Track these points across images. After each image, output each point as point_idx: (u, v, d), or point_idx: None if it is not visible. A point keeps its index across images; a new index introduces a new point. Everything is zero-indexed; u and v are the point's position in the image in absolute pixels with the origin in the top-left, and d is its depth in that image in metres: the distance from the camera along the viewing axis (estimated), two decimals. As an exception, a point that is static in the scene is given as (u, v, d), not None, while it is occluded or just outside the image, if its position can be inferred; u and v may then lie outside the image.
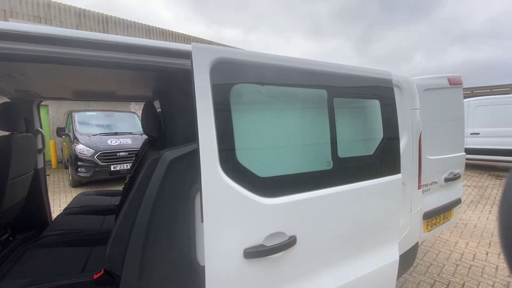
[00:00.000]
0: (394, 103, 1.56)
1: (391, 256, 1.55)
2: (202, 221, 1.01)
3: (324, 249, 1.28)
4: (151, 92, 2.27)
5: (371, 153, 1.46)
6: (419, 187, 1.96)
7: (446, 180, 2.35)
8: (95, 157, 5.73)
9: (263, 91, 1.17)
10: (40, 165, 2.31)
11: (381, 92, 1.52)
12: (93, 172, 5.65)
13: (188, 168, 1.19)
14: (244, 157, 1.08)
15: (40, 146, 2.31)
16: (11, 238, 2.09)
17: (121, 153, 6.04)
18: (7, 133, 1.87)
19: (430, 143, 2.22)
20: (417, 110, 1.92)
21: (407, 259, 1.95)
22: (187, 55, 1.09)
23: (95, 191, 2.75)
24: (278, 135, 1.23)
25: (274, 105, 1.23)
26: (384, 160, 1.50)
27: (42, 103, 2.45)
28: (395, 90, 1.72)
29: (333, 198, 1.28)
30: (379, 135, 1.50)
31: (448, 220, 2.49)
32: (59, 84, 1.99)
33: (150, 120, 1.37)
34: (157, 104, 1.72)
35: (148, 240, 1.16)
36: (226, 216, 1.02)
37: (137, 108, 11.12)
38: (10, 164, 1.75)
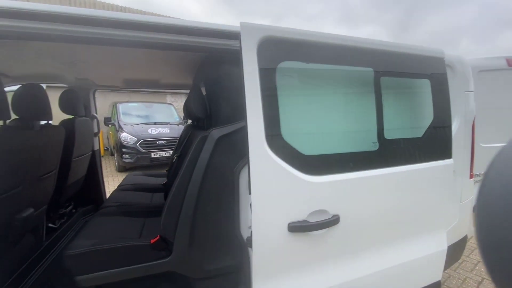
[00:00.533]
0: (446, 84, 1.46)
1: (438, 245, 1.48)
2: (249, 193, 1.07)
3: (367, 230, 1.27)
4: (192, 80, 2.38)
5: (420, 135, 1.39)
6: (471, 176, 1.82)
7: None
8: (137, 144, 6.20)
9: (309, 69, 1.17)
10: (96, 147, 2.58)
11: (432, 71, 1.42)
12: (136, 159, 6.12)
13: (233, 145, 1.25)
14: (289, 136, 1.10)
15: (95, 130, 2.57)
16: (74, 211, 2.40)
17: (160, 142, 6.44)
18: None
19: (484, 129, 2.03)
20: (471, 92, 1.76)
21: (454, 252, 1.84)
22: (234, 35, 1.12)
23: (142, 172, 3.01)
24: (323, 115, 1.23)
25: (320, 84, 1.22)
26: (433, 144, 1.42)
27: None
28: (447, 70, 1.60)
29: (378, 180, 1.26)
30: (429, 117, 1.42)
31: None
32: (111, 73, 2.19)
33: (197, 102, 1.45)
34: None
35: (197, 211, 1.26)
36: (272, 191, 1.06)
37: (173, 100, 11.68)
38: (74, 144, 1.99)
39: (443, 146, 1.45)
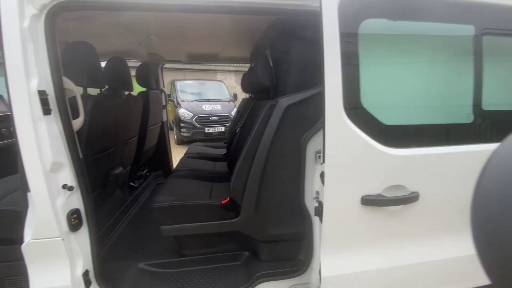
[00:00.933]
0: None
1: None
2: (321, 162, 1.04)
3: (450, 212, 1.14)
4: (250, 54, 2.36)
5: None
6: None
7: None
8: (193, 120, 6.62)
9: (395, 27, 1.03)
10: (164, 118, 2.83)
11: None
12: (192, 133, 6.59)
13: (302, 114, 1.22)
14: (370, 104, 1.01)
15: (163, 102, 2.81)
16: (148, 174, 2.73)
17: (213, 118, 6.76)
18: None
19: None
20: None
21: None
22: None
23: (204, 143, 3.23)
24: (409, 81, 1.09)
25: (408, 45, 1.07)
26: None
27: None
28: None
29: (471, 158, 1.09)
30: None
31: None
32: (177, 47, 2.30)
33: (263, 70, 1.43)
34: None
35: (263, 179, 1.29)
36: (347, 162, 1.01)
37: (223, 78, 11.99)
38: (149, 114, 2.20)
39: None
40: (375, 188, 1.04)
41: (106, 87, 1.60)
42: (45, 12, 0.96)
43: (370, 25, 1.00)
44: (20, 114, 0.94)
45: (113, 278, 1.29)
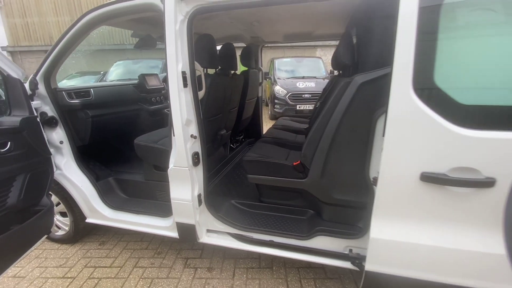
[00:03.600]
0: None
1: None
2: (383, 135, 1.14)
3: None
4: (343, 30, 2.38)
5: None
6: None
7: None
8: (286, 97, 6.98)
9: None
10: (260, 94, 3.28)
11: None
12: (284, 109, 7.00)
13: (376, 91, 1.29)
14: (445, 81, 1.02)
15: (260, 80, 3.24)
16: (243, 140, 3.32)
17: (305, 95, 6.90)
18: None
19: None
20: None
21: None
22: None
23: (290, 118, 3.56)
24: (491, 53, 0.99)
25: (488, 14, 0.97)
26: None
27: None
28: None
29: None
30: None
31: None
32: (275, 30, 2.59)
33: (345, 48, 1.54)
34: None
35: (331, 148, 1.48)
36: (408, 137, 1.07)
37: (322, 54, 11.60)
38: (248, 90, 2.66)
39: None
40: (438, 167, 1.06)
41: (219, 67, 2.11)
42: (188, 17, 1.43)
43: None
44: (172, 86, 1.49)
45: (214, 204, 1.85)
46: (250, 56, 2.66)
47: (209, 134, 2.00)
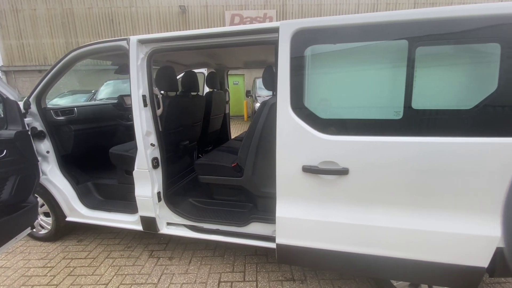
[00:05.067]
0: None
1: (482, 229, 1.38)
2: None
3: (383, 190, 1.46)
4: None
5: (469, 107, 1.31)
6: None
7: None
8: (265, 113, 7.57)
9: (332, 48, 1.46)
10: (227, 111, 3.78)
11: (507, 32, 1.23)
12: (263, 124, 7.57)
13: None
14: (308, 102, 1.50)
15: (227, 99, 3.74)
16: (210, 147, 3.77)
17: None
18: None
19: None
20: None
21: None
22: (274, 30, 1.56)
23: None
24: (342, 86, 1.50)
25: (341, 59, 1.48)
26: (491, 117, 1.29)
27: (237, 73, 3.84)
28: None
29: (397, 147, 1.39)
30: (490, 86, 1.28)
31: None
32: (234, 58, 3.12)
33: (265, 78, 2.04)
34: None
35: (258, 150, 1.94)
36: (291, 142, 1.54)
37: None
38: (212, 108, 3.15)
39: (509, 121, 1.27)
40: (312, 161, 1.52)
41: (181, 90, 2.59)
42: (147, 55, 1.93)
43: (313, 49, 1.48)
44: (135, 105, 1.95)
45: (174, 202, 2.26)
46: (214, 79, 3.17)
47: (171, 144, 2.44)
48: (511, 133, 1.27)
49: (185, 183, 2.78)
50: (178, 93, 2.57)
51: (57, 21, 11.06)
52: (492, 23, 1.24)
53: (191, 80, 2.60)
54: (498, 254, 1.53)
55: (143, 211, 2.15)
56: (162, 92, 2.26)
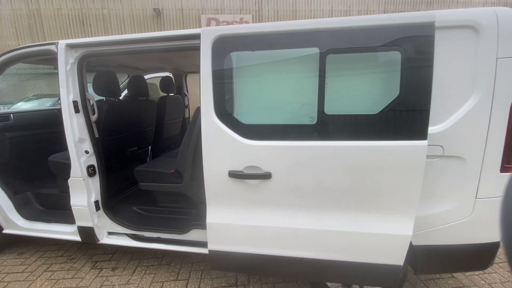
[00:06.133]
0: (430, 54, 1.28)
1: (395, 229, 1.43)
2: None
3: (303, 193, 1.49)
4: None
5: (375, 112, 1.36)
6: (504, 169, 1.44)
7: None
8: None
9: (253, 56, 1.48)
10: (186, 115, 3.74)
11: (406, 42, 1.30)
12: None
13: None
14: (231, 108, 1.51)
15: (186, 103, 3.70)
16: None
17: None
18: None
19: None
20: (516, 59, 1.34)
21: (467, 256, 1.59)
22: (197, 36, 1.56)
23: None
24: (263, 91, 1.52)
25: (261, 66, 1.50)
26: (395, 122, 1.35)
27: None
28: (468, 33, 1.34)
29: (314, 151, 1.43)
30: (392, 92, 1.34)
31: None
32: (183, 63, 3.07)
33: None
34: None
35: (195, 156, 1.92)
36: (216, 147, 1.53)
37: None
38: (165, 112, 3.10)
39: (411, 125, 1.33)
40: (237, 166, 1.52)
41: (127, 94, 2.53)
42: (77, 60, 1.87)
43: (234, 56, 1.49)
44: (65, 112, 1.88)
45: (115, 210, 2.19)
46: (168, 84, 3.13)
47: (114, 150, 2.37)
48: (413, 136, 1.33)
49: (134, 191, 2.71)
50: (122, 97, 2.50)
51: (23, 22, 10.54)
52: (393, 32, 1.31)
53: (137, 85, 2.55)
54: (419, 252, 1.60)
55: (80, 221, 2.07)
56: (103, 98, 2.19)
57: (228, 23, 11.20)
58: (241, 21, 11.18)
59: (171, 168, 2.15)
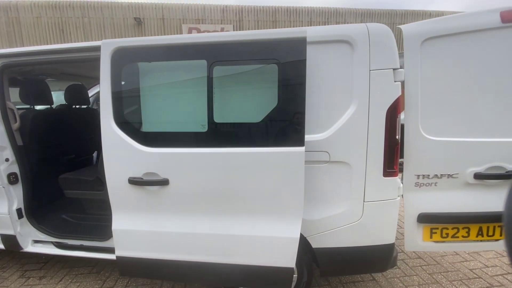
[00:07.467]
0: (303, 67, 1.37)
1: (283, 231, 1.49)
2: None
3: (200, 198, 1.54)
4: None
5: (258, 121, 1.44)
6: (387, 173, 1.53)
7: (479, 176, 1.53)
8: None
9: (149, 67, 1.55)
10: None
11: (282, 55, 1.39)
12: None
13: None
14: (129, 116, 1.57)
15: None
16: None
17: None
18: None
19: (443, 119, 1.53)
20: (388, 70, 1.45)
21: (362, 258, 1.65)
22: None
23: None
24: (158, 100, 1.58)
25: (156, 76, 1.57)
26: (275, 130, 1.43)
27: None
28: (343, 47, 1.45)
29: (206, 157, 1.49)
30: (272, 102, 1.42)
31: (490, 238, 1.62)
32: None
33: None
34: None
35: None
36: (115, 154, 1.58)
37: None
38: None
39: (289, 132, 1.41)
40: (137, 173, 1.57)
41: (65, 103, 2.57)
42: (-4, 70, 1.90)
43: (131, 67, 1.56)
44: (-18, 121, 1.90)
45: (41, 218, 2.19)
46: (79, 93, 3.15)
47: (43, 157, 2.38)
48: (292, 143, 1.41)
49: (68, 198, 2.71)
50: (56, 106, 2.54)
51: (2, 29, 10.51)
52: (270, 46, 1.40)
53: (73, 94, 2.59)
54: (319, 255, 1.66)
55: (1, 229, 2.06)
56: (30, 106, 2.22)
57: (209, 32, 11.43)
58: (221, 31, 11.40)
59: (95, 175, 2.18)
